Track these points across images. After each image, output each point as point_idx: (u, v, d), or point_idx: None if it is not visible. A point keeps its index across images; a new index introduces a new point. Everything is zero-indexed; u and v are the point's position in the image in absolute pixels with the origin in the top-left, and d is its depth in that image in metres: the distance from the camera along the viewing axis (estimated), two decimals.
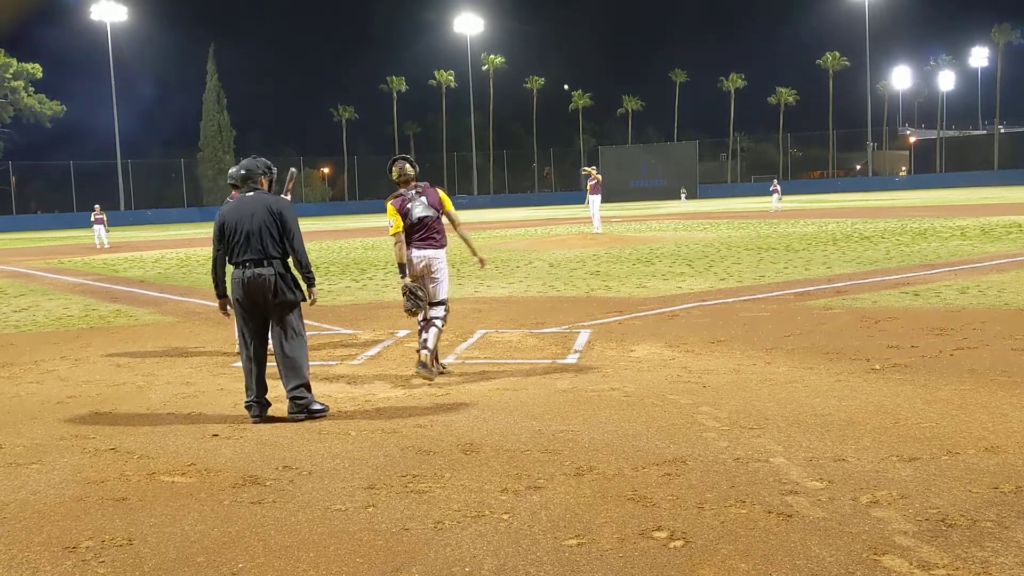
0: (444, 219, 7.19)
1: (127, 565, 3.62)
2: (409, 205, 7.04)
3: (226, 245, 5.98)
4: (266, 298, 5.89)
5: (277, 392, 6.16)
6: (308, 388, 5.98)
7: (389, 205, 7.10)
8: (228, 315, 6.18)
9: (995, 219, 25.80)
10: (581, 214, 30.95)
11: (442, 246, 7.13)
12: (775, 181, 46.31)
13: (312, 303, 6.23)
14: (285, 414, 5.98)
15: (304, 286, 6.07)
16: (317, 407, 5.97)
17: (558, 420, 5.61)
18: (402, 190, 7.13)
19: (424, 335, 6.95)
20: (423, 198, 7.08)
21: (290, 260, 6.04)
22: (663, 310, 10.50)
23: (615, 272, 15.20)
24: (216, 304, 6.28)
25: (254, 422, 5.92)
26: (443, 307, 7.13)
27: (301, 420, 5.88)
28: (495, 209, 75.26)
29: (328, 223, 52.39)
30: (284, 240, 5.95)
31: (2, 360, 8.81)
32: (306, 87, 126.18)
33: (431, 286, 7.08)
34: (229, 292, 6.06)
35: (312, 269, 6.14)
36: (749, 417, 5.49)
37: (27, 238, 49.23)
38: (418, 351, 6.94)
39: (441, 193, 7.22)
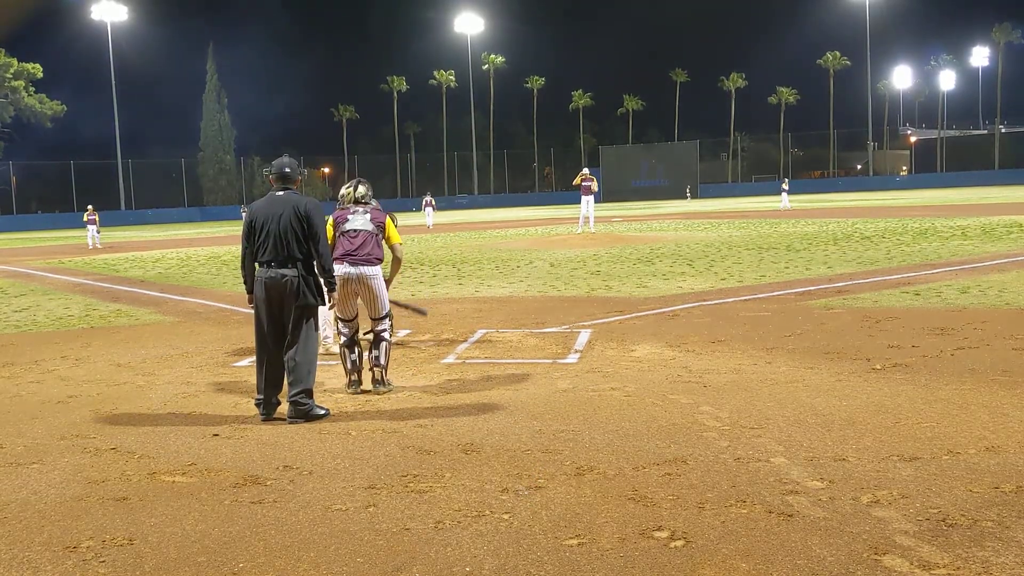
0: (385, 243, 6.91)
1: (128, 565, 3.62)
2: (349, 216, 6.79)
3: (253, 243, 5.99)
4: (286, 300, 5.90)
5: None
6: (310, 395, 5.95)
7: (329, 219, 6.87)
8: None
9: (996, 219, 25.79)
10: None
11: (378, 261, 6.73)
12: (786, 180, 46.73)
13: (331, 307, 6.28)
14: (285, 415, 5.97)
15: (325, 289, 6.08)
16: (319, 412, 5.95)
17: (559, 420, 5.61)
18: (349, 206, 6.93)
19: (374, 351, 6.72)
20: (367, 215, 6.83)
21: (314, 262, 6.02)
22: (664, 310, 10.50)
23: (616, 272, 15.20)
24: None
25: (263, 420, 5.92)
26: (387, 319, 6.84)
27: (299, 423, 5.87)
28: (495, 209, 75.21)
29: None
30: (309, 242, 5.93)
31: (3, 360, 8.81)
32: (306, 87, 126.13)
33: (370, 303, 6.76)
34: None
35: (333, 272, 6.13)
36: (750, 417, 5.49)
37: (27, 238, 49.26)
38: (371, 368, 6.76)
39: (390, 220, 6.92)
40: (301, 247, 5.91)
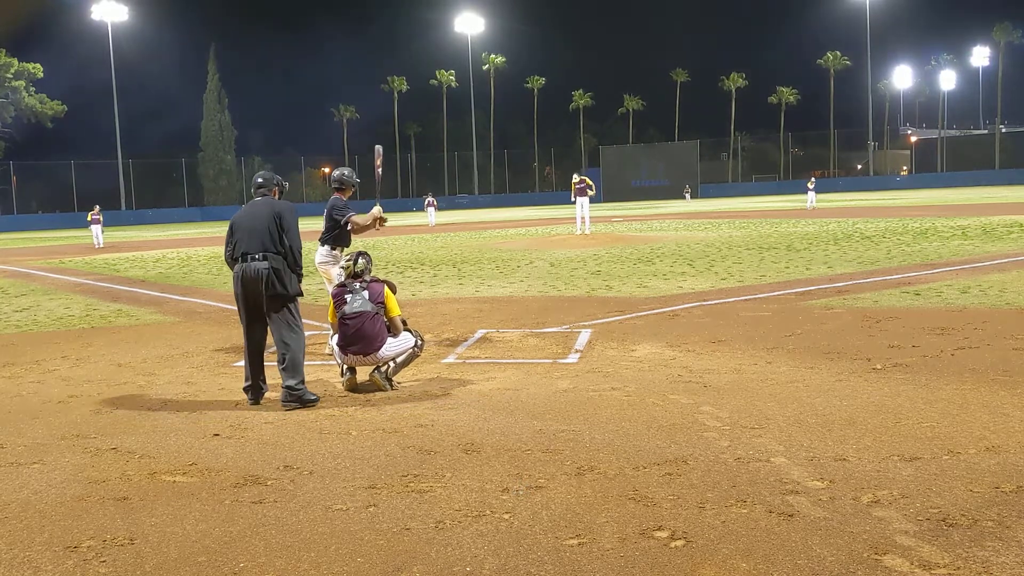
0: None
1: (128, 565, 3.62)
2: (348, 296, 6.78)
3: (233, 243, 6.44)
4: (259, 289, 6.26)
5: (276, 383, 6.33)
6: (303, 381, 6.29)
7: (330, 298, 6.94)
8: None
9: (996, 219, 25.79)
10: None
11: (381, 345, 6.69)
12: (812, 179, 46.70)
13: (299, 296, 6.52)
14: (279, 402, 6.28)
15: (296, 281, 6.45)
16: (311, 398, 6.27)
17: (559, 420, 5.61)
18: (346, 281, 6.90)
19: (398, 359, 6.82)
20: (365, 292, 6.77)
21: (285, 258, 6.37)
22: (664, 310, 10.50)
23: (616, 272, 15.20)
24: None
25: (250, 405, 6.31)
26: (415, 341, 6.91)
27: (293, 409, 6.14)
28: (496, 209, 75.25)
29: None
30: (282, 238, 6.31)
31: (3, 360, 8.82)
32: (307, 86, 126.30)
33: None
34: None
35: (302, 266, 6.50)
36: (750, 417, 5.49)
37: (28, 238, 49.26)
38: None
39: (388, 292, 6.88)
40: (274, 243, 6.31)
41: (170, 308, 12.85)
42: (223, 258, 6.66)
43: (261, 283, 6.23)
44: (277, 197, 6.66)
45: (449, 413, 5.92)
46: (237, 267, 6.35)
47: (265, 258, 6.26)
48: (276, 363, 6.35)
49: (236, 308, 6.53)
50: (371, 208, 8.52)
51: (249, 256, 6.28)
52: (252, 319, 6.41)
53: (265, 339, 6.51)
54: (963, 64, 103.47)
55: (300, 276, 6.50)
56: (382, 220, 8.51)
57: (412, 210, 71.13)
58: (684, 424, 5.39)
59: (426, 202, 44.24)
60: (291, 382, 6.21)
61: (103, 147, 78.70)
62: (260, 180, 6.70)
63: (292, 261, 6.36)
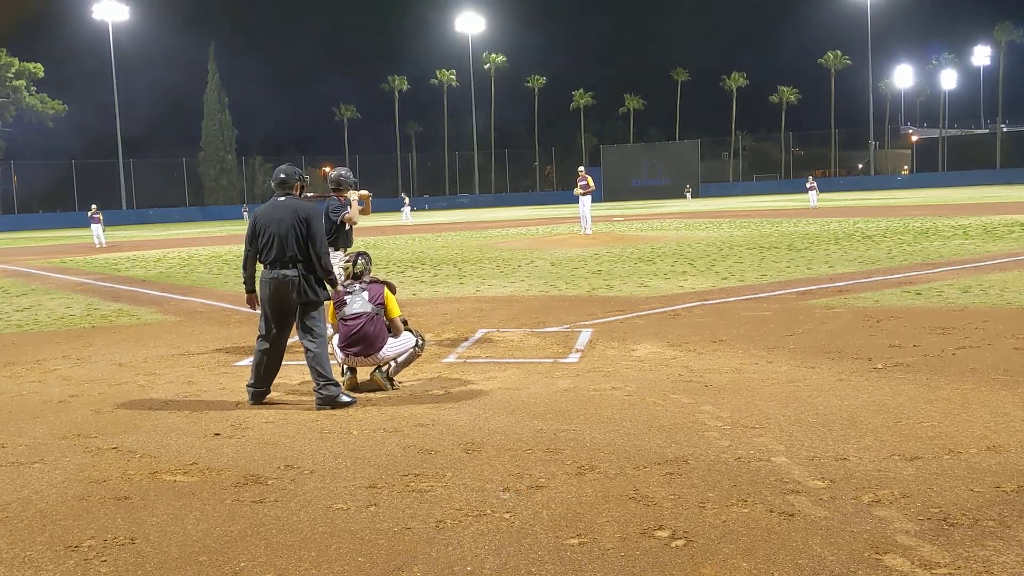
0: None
1: (129, 564, 3.62)
2: (347, 297, 6.76)
3: (256, 245, 6.37)
4: (290, 298, 6.25)
5: (278, 383, 6.31)
6: (336, 384, 6.25)
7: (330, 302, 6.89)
8: (256, 310, 6.55)
9: (997, 218, 25.77)
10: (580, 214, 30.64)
11: (383, 345, 6.68)
12: (811, 178, 46.52)
13: (328, 300, 6.57)
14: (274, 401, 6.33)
15: (328, 287, 6.46)
16: (345, 400, 6.22)
17: (560, 419, 5.61)
18: (346, 283, 6.88)
19: (398, 360, 6.80)
20: (365, 293, 6.77)
21: (314, 263, 6.35)
22: (665, 309, 10.50)
23: (617, 271, 15.20)
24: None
25: (250, 405, 6.31)
26: (416, 340, 6.88)
27: (326, 410, 6.12)
28: (497, 208, 75.24)
29: None
30: (309, 245, 6.25)
31: (4, 359, 8.82)
32: (307, 86, 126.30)
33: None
34: (257, 289, 6.46)
35: (332, 272, 6.46)
36: (751, 416, 5.49)
37: (29, 237, 49.28)
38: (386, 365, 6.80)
39: (388, 293, 6.86)
40: (301, 249, 6.27)
41: (171, 308, 12.85)
42: (242, 257, 6.60)
43: (293, 292, 6.21)
44: (299, 193, 6.55)
45: (450, 413, 5.92)
46: (265, 274, 6.30)
47: (295, 266, 6.22)
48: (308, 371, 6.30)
49: (256, 311, 6.51)
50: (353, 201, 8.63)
51: (278, 264, 6.23)
52: (276, 327, 6.37)
53: (284, 347, 6.49)
54: (964, 63, 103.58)
55: (333, 282, 6.44)
56: (366, 200, 8.76)
57: (414, 209, 71.15)
58: (685, 424, 5.39)
59: (404, 202, 47.38)
60: (323, 382, 6.15)
61: (104, 147, 78.80)
62: (282, 176, 6.49)
63: (321, 271, 6.28)
